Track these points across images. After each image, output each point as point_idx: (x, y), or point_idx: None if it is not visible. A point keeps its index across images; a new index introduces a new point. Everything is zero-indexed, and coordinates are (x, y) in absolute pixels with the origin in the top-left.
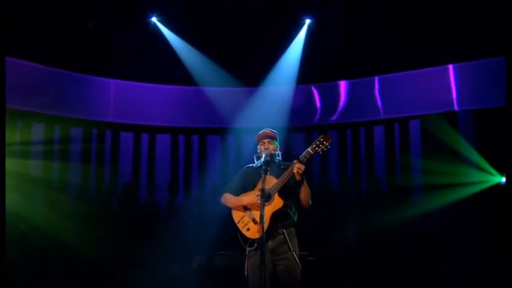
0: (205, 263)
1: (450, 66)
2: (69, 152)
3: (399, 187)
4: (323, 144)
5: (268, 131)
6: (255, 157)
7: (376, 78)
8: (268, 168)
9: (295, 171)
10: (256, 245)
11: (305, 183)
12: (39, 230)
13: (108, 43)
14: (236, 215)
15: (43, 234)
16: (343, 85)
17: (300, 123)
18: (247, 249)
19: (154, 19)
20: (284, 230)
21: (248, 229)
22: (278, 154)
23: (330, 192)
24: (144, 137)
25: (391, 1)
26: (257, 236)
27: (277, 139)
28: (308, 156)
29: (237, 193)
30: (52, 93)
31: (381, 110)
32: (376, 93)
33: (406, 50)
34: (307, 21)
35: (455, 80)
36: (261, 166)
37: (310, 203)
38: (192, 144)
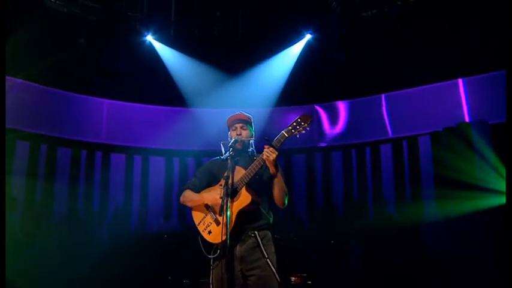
0: None
1: (460, 81)
2: (56, 174)
3: (409, 209)
4: (301, 126)
5: (240, 113)
6: (222, 145)
7: (383, 96)
8: (238, 159)
9: (264, 157)
10: (219, 251)
11: (280, 177)
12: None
13: (103, 62)
14: (196, 216)
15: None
16: (347, 104)
17: (301, 144)
18: (211, 257)
19: (149, 37)
20: (256, 232)
21: (210, 232)
22: (252, 144)
23: (335, 216)
24: (137, 159)
25: (395, 16)
26: (220, 240)
27: (252, 125)
28: (282, 141)
29: (201, 190)
30: (39, 110)
31: (389, 129)
32: (384, 112)
33: (413, 65)
34: (308, 36)
35: (466, 95)
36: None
37: (286, 203)
38: (188, 167)
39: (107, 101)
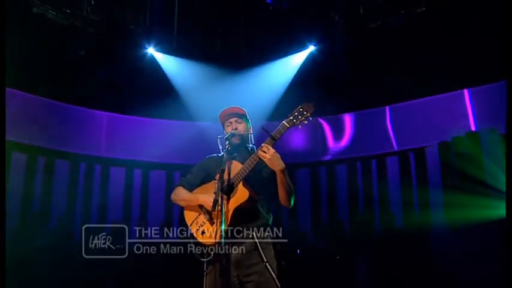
0: None
1: (465, 91)
2: (53, 187)
3: (417, 223)
4: (303, 115)
5: (234, 106)
6: (218, 140)
7: (387, 108)
8: (235, 154)
9: (260, 154)
10: (213, 254)
11: (286, 173)
12: None
13: (103, 75)
14: (189, 216)
15: None
16: (351, 117)
17: (306, 158)
18: (204, 261)
19: (151, 50)
20: (253, 233)
21: (203, 232)
22: (251, 139)
23: (340, 231)
24: (137, 173)
25: (398, 28)
26: (214, 241)
27: (249, 119)
28: (283, 131)
29: (194, 188)
30: (37, 122)
31: (394, 142)
32: (388, 124)
33: (417, 76)
34: (311, 47)
35: (472, 105)
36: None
37: (292, 202)
38: None
39: (106, 113)
